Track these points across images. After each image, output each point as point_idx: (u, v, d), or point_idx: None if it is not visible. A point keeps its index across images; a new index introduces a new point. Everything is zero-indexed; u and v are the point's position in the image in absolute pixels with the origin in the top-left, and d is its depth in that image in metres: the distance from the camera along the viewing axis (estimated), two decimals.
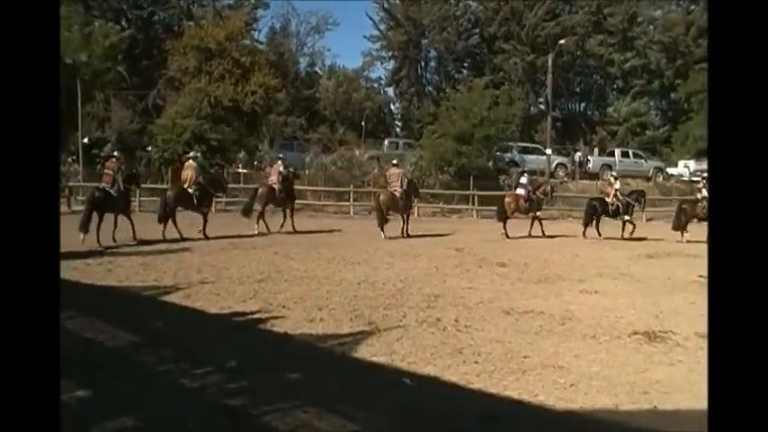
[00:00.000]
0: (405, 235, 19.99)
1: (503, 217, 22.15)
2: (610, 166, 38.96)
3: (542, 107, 45.94)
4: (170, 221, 17.43)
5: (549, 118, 40.98)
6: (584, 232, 21.86)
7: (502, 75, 49.48)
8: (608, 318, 9.25)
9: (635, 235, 21.97)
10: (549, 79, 39.99)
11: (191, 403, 5.59)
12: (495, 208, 24.03)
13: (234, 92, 35.71)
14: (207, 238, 17.34)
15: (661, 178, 39.71)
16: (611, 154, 41.35)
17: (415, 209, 28.17)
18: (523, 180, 23.16)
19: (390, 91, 57.48)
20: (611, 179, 23.94)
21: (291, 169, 23.58)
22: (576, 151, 43.55)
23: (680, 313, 9.79)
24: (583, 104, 54.85)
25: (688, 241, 20.54)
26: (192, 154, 20.24)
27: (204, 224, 17.88)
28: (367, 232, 20.57)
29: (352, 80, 55.63)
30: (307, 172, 33.57)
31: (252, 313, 8.97)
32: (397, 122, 58.49)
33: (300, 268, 12.86)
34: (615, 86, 52.79)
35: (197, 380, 6.14)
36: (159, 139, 32.54)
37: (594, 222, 22.24)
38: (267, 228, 19.75)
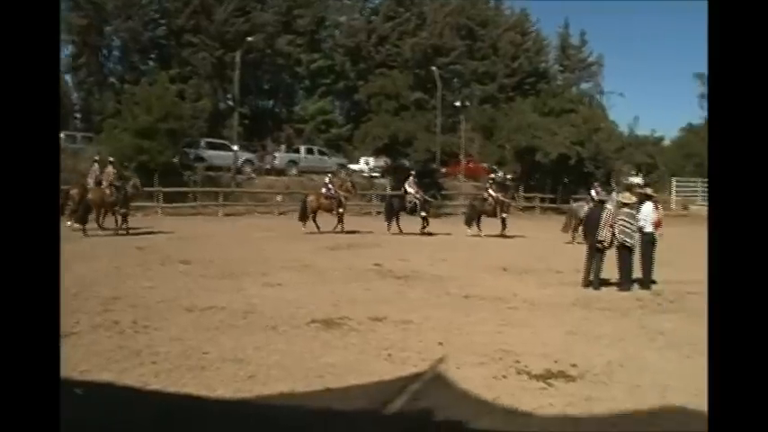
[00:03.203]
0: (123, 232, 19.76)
1: (304, 215, 22.94)
2: (295, 162, 40.24)
3: (231, 103, 45.95)
4: None
5: (236, 114, 41.12)
6: (388, 227, 23.31)
7: (190, 69, 48.45)
8: (288, 309, 9.63)
9: (429, 230, 23.65)
10: (237, 75, 40.10)
11: None
12: (181, 204, 23.60)
13: None
14: None
15: (344, 174, 41.96)
16: (297, 150, 42.60)
17: None
18: (326, 179, 24.12)
19: (68, 79, 53.26)
20: (411, 179, 25.31)
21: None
22: (263, 147, 44.38)
23: (356, 300, 10.56)
24: (271, 102, 55.90)
25: (479, 235, 22.92)
26: None
27: None
28: None
29: None
30: None
31: None
32: (75, 114, 54.39)
33: None
34: (303, 85, 54.65)
35: None
36: None
37: (395, 219, 23.65)
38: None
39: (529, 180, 44.97)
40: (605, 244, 12.73)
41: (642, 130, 59.65)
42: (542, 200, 43.50)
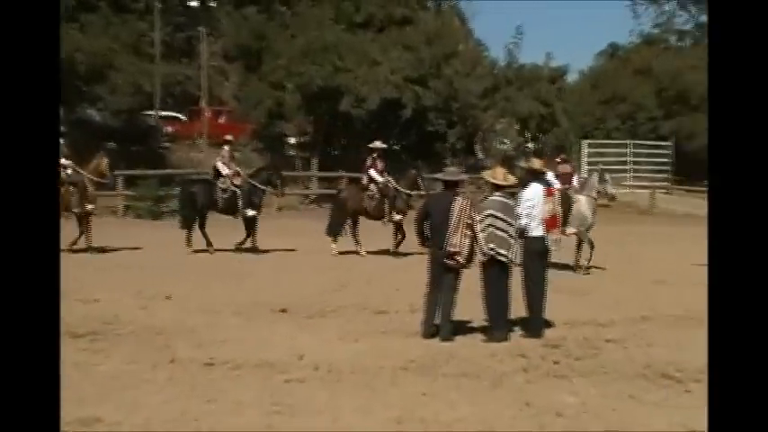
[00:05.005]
0: None
1: None
2: None
3: None
4: None
5: None
6: (187, 238, 23.11)
7: None
8: None
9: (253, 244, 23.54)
10: None
11: None
12: None
13: None
14: None
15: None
16: None
17: None
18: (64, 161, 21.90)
19: None
20: (226, 151, 24.58)
21: None
22: None
23: None
24: None
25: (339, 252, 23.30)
26: None
27: None
28: None
29: None
30: None
31: None
32: None
33: None
34: None
35: None
36: None
37: (198, 222, 23.35)
38: None
39: (329, 147, 45.49)
40: (461, 258, 13.19)
41: (530, 57, 62.16)
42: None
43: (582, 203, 21.86)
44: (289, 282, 18.69)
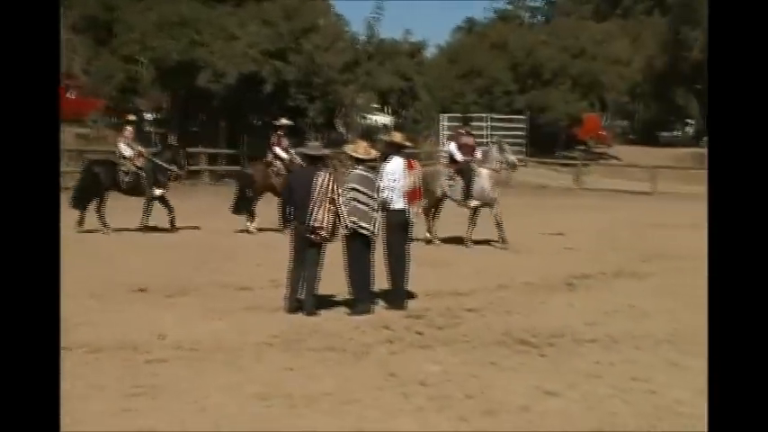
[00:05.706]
0: None
1: None
2: None
3: None
4: None
5: None
6: (79, 220, 22.44)
7: None
8: None
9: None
10: None
11: None
12: None
13: None
14: None
15: None
16: None
17: None
18: None
19: None
20: (128, 131, 24.15)
21: None
22: None
23: None
24: None
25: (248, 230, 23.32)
26: None
27: None
28: None
29: None
30: None
31: None
32: None
33: None
34: None
35: None
36: None
37: (97, 204, 22.78)
38: None
39: (186, 123, 44.86)
40: (324, 233, 13.20)
41: (390, 33, 62.16)
42: (213, 160, 43.04)
43: (483, 177, 22.02)
44: (147, 261, 18.49)
